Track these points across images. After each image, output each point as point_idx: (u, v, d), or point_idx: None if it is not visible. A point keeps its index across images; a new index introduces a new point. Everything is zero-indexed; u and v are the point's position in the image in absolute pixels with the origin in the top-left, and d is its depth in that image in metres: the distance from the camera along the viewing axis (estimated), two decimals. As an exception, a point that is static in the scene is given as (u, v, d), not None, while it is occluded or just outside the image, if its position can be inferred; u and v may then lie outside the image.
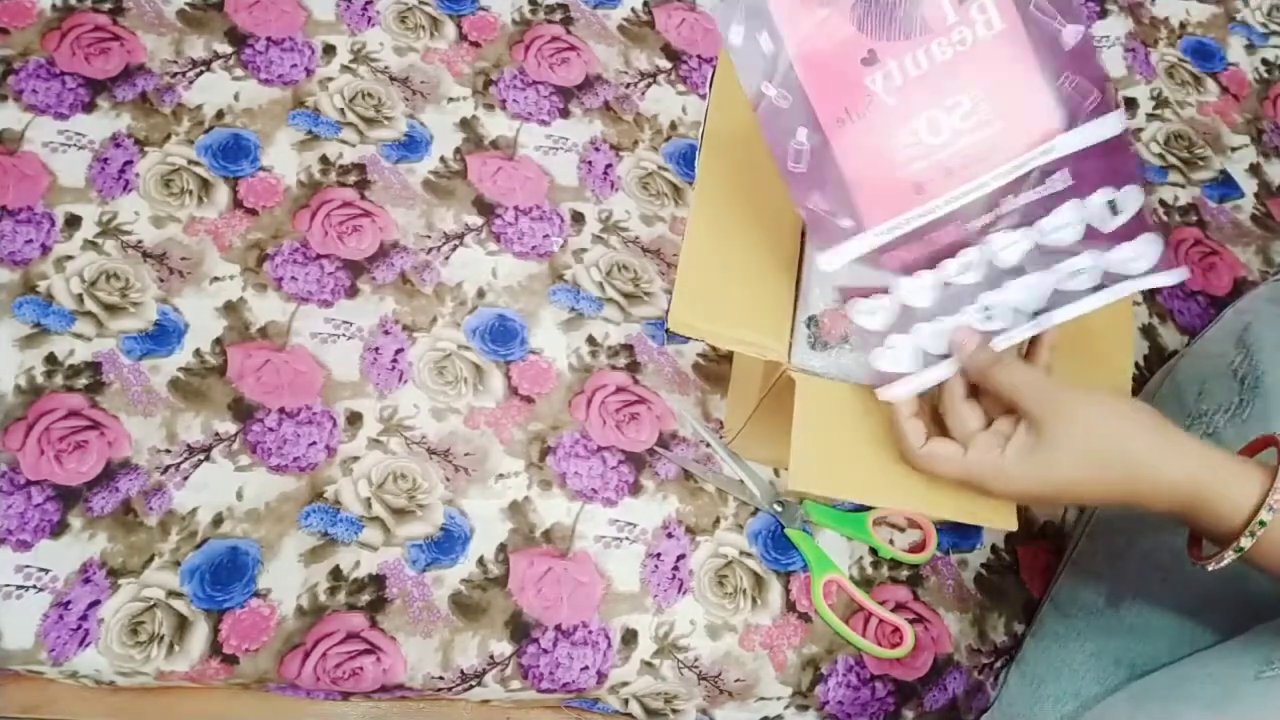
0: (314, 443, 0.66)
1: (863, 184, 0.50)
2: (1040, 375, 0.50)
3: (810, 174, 0.50)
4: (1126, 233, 0.50)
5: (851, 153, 0.49)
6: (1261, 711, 0.47)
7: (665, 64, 0.87)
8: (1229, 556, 0.47)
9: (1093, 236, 0.50)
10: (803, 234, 0.60)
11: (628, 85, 0.85)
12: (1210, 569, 0.49)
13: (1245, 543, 0.46)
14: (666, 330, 0.73)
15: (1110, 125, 0.48)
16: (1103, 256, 0.50)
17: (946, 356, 0.53)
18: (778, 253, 0.56)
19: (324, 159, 0.76)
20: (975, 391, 0.53)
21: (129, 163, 0.73)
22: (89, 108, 0.74)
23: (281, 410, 0.67)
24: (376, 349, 0.70)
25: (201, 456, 0.64)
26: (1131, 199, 0.49)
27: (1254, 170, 0.92)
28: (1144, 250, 0.50)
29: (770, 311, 0.57)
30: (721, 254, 0.57)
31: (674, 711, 0.66)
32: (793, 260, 0.59)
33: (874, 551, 0.70)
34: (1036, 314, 0.52)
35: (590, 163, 0.80)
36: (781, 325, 0.56)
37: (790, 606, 0.67)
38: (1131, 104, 0.93)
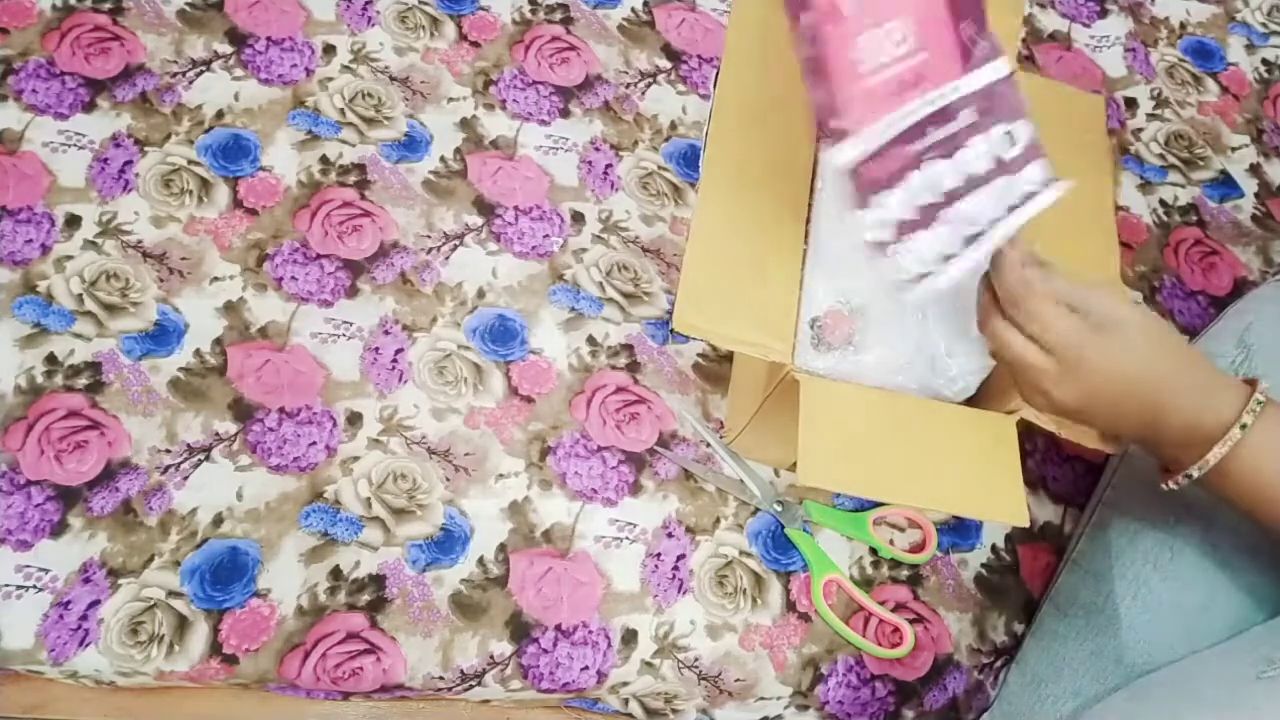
0: (314, 443, 0.66)
1: (842, 89, 0.50)
2: (1066, 316, 0.51)
3: (810, 64, 0.50)
4: (1023, 161, 0.54)
5: (833, 54, 0.50)
6: (1264, 713, 0.47)
7: (665, 64, 0.87)
8: (1214, 457, 0.49)
9: (1000, 166, 0.53)
10: (806, 235, 0.60)
11: (628, 85, 0.85)
12: (1195, 475, 0.51)
13: (1227, 445, 0.49)
14: (670, 330, 0.73)
15: (1000, 68, 0.53)
16: (1011, 182, 0.54)
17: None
18: (781, 253, 0.56)
19: (324, 159, 0.76)
20: None
21: (129, 163, 0.73)
22: (89, 108, 0.74)
23: (281, 410, 0.66)
24: (376, 349, 0.70)
25: (201, 456, 0.64)
26: (1023, 131, 0.54)
27: (1254, 170, 0.92)
28: (1040, 174, 0.54)
29: (774, 312, 0.57)
30: (725, 255, 0.57)
31: (674, 711, 0.66)
32: (796, 261, 0.59)
33: (874, 551, 0.70)
34: (973, 238, 0.53)
35: (590, 163, 0.80)
36: (785, 326, 0.56)
37: (790, 606, 0.67)
38: (1131, 104, 0.93)
